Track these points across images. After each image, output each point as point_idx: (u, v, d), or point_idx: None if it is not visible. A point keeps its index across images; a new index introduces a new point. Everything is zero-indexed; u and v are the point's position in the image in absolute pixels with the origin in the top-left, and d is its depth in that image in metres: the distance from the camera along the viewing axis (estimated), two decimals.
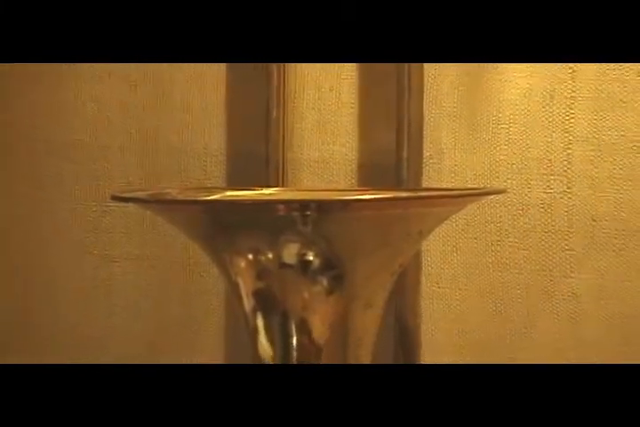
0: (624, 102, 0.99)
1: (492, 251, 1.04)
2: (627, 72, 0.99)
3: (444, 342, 1.07)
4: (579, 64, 1.00)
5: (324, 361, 1.02)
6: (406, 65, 1.02)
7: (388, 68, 1.03)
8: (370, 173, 1.09)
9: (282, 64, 1.06)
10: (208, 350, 1.14)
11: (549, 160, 1.01)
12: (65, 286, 1.14)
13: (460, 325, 1.07)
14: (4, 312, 1.17)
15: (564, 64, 1.00)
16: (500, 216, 1.03)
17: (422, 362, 1.07)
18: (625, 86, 0.99)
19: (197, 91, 1.10)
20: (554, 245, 1.03)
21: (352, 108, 1.07)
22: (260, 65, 1.04)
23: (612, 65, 0.99)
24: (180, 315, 1.14)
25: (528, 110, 1.02)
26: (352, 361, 1.02)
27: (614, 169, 0.99)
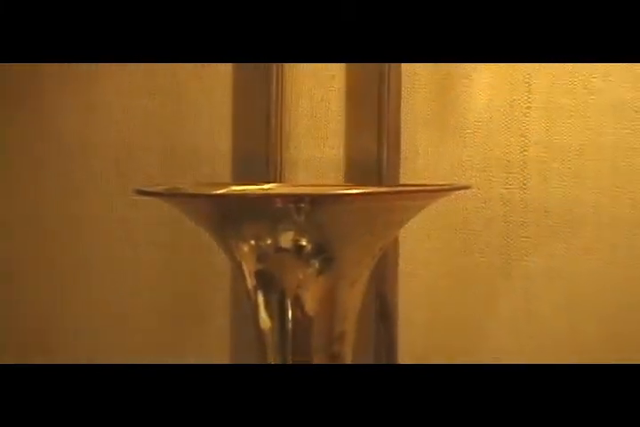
0: (572, 111, 1.12)
1: (459, 238, 1.17)
2: (574, 85, 1.12)
3: (418, 315, 1.19)
4: (534, 78, 1.13)
5: (314, 332, 1.12)
6: (386, 79, 1.15)
7: (371, 81, 1.15)
8: (355, 171, 1.21)
9: (280, 78, 1.18)
10: (216, 316, 1.26)
11: (508, 160, 1.13)
12: (96, 269, 1.26)
13: (432, 301, 1.19)
14: (39, 293, 1.28)
15: (521, 78, 1.13)
16: (466, 208, 1.15)
17: (399, 333, 1.19)
18: (573, 97, 1.13)
19: (207, 101, 1.21)
20: (511, 233, 1.16)
21: (339, 115, 1.18)
22: (261, 79, 1.16)
23: (562, 79, 1.12)
24: (192, 292, 1.25)
25: (490, 118, 1.14)
26: (338, 331, 1.12)
27: (563, 168, 1.13)
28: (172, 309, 1.25)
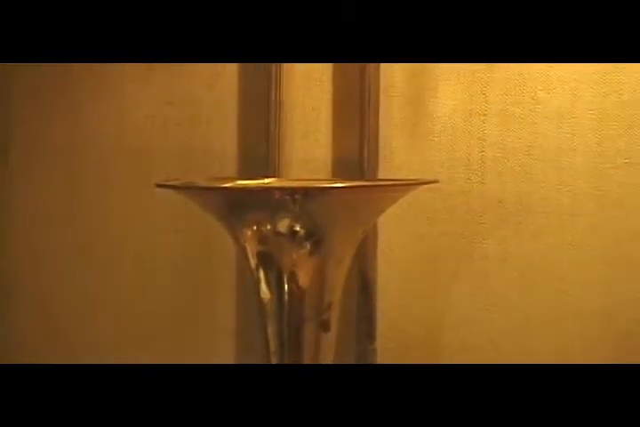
0: (521, 118, 1.28)
1: (427, 224, 1.32)
2: (523, 97, 1.28)
3: (393, 289, 1.35)
4: (490, 90, 1.28)
5: (306, 303, 1.26)
6: (367, 92, 1.29)
7: (355, 93, 1.31)
8: (340, 168, 1.36)
9: (278, 90, 1.32)
10: (224, 290, 1.41)
11: (468, 159, 1.29)
12: (123, 250, 1.42)
13: (405, 277, 1.34)
14: (76, 273, 1.43)
15: (479, 90, 1.28)
16: (434, 199, 1.31)
17: (377, 303, 1.33)
18: (522, 107, 1.28)
19: (217, 110, 1.37)
20: (471, 220, 1.31)
21: (328, 122, 1.34)
22: (263, 92, 1.31)
23: (513, 91, 1.28)
24: (203, 269, 1.41)
25: (453, 124, 1.30)
26: (326, 302, 1.25)
27: (514, 166, 1.28)
28: (187, 282, 1.40)
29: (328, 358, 1.27)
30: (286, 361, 1.28)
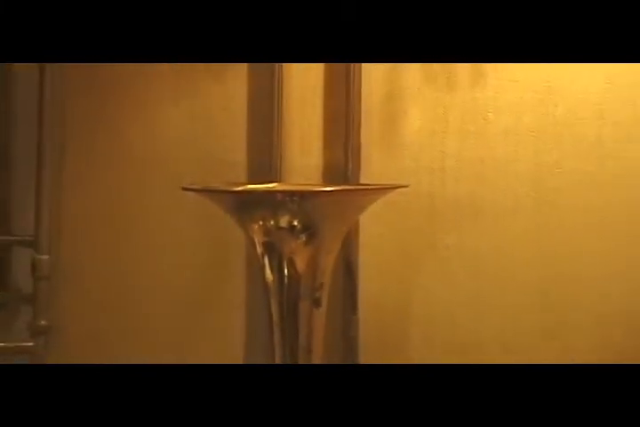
0: (475, 135, 1.54)
1: (400, 220, 1.57)
2: (476, 117, 1.53)
3: (372, 272, 1.58)
4: (449, 112, 1.52)
5: (302, 283, 1.43)
6: (352, 112, 1.52)
7: (342, 113, 1.53)
8: (329, 175, 1.58)
9: (280, 109, 1.53)
10: (236, 274, 1.59)
11: (432, 168, 1.55)
12: (154, 243, 1.60)
13: (381, 262, 1.58)
14: (115, 267, 1.61)
15: (440, 112, 1.52)
16: (405, 200, 1.55)
17: (359, 284, 1.55)
18: (475, 126, 1.54)
19: (231, 127, 1.57)
20: (435, 217, 1.56)
21: (319, 137, 1.57)
22: (267, 112, 1.52)
23: (468, 113, 1.52)
24: (219, 256, 1.61)
25: (420, 139, 1.55)
26: (318, 283, 1.44)
27: (469, 174, 1.54)
28: (206, 267, 1.61)
29: (320, 327, 1.47)
30: (286, 331, 1.46)
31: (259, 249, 1.47)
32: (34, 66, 1.58)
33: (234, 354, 1.64)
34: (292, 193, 1.46)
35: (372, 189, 1.52)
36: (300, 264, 1.46)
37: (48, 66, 1.57)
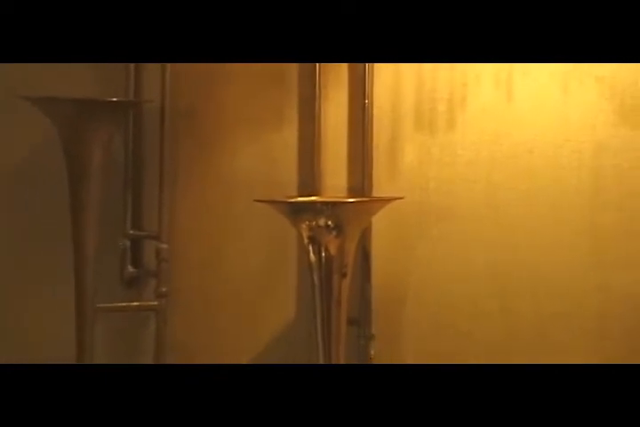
0: (449, 164, 2.03)
1: (398, 220, 2.03)
2: (449, 152, 2.02)
3: (381, 256, 2.04)
4: (433, 149, 2.02)
5: (334, 263, 1.86)
6: (367, 149, 2.00)
7: (358, 149, 2.01)
8: (351, 191, 2.06)
9: (317, 142, 2.00)
10: (289, 255, 2.06)
11: (420, 187, 2.05)
12: (237, 239, 2.07)
13: (388, 249, 2.05)
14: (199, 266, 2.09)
15: (425, 149, 2.02)
16: (403, 207, 2.01)
17: (372, 265, 2.01)
18: (449, 157, 2.04)
19: (286, 160, 2.05)
20: (424, 218, 2.05)
21: (344, 165, 2.04)
22: (308, 147, 2.00)
23: (445, 150, 2.01)
24: (279, 248, 2.07)
25: (412, 168, 2.04)
26: (345, 261, 1.87)
27: (445, 191, 2.04)
28: (271, 253, 2.08)
29: (345, 290, 1.91)
30: (324, 293, 1.88)
31: (305, 241, 1.91)
32: (157, 112, 2.01)
33: (289, 309, 2.09)
34: (326, 203, 1.92)
35: (379, 200, 2.02)
36: (332, 250, 1.90)
37: (167, 115, 2.04)
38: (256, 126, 2.11)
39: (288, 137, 2.11)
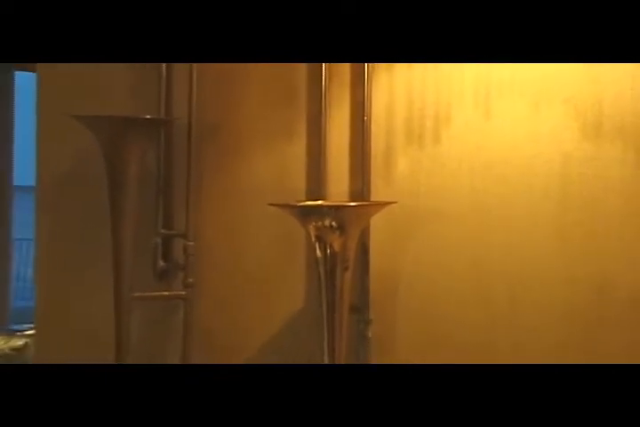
0: (435, 173, 2.33)
1: (393, 220, 2.32)
2: (435, 163, 2.33)
3: (378, 251, 2.34)
4: (424, 162, 2.32)
5: (337, 257, 2.16)
6: (366, 161, 2.31)
7: (358, 161, 2.30)
8: (353, 196, 2.35)
9: (324, 155, 2.30)
10: (299, 252, 2.35)
11: (411, 193, 2.34)
12: (253, 237, 2.38)
13: (384, 245, 2.34)
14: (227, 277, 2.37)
15: (415, 161, 2.33)
16: (396, 210, 2.31)
17: (370, 258, 2.31)
18: (435, 166, 2.33)
19: (297, 169, 2.34)
20: (414, 220, 2.34)
21: (346, 175, 2.33)
22: (316, 163, 2.32)
23: (431, 160, 2.34)
24: (289, 248, 2.35)
25: (404, 176, 2.34)
26: (347, 255, 2.16)
27: (433, 196, 2.33)
28: (282, 249, 2.36)
29: (347, 282, 2.18)
30: (329, 284, 2.15)
31: (313, 239, 2.18)
32: (185, 128, 2.29)
33: (299, 298, 2.35)
34: (331, 206, 2.20)
35: (377, 204, 2.29)
36: (336, 247, 2.17)
37: (194, 130, 2.32)
38: (270, 140, 2.40)
39: (298, 149, 2.40)
